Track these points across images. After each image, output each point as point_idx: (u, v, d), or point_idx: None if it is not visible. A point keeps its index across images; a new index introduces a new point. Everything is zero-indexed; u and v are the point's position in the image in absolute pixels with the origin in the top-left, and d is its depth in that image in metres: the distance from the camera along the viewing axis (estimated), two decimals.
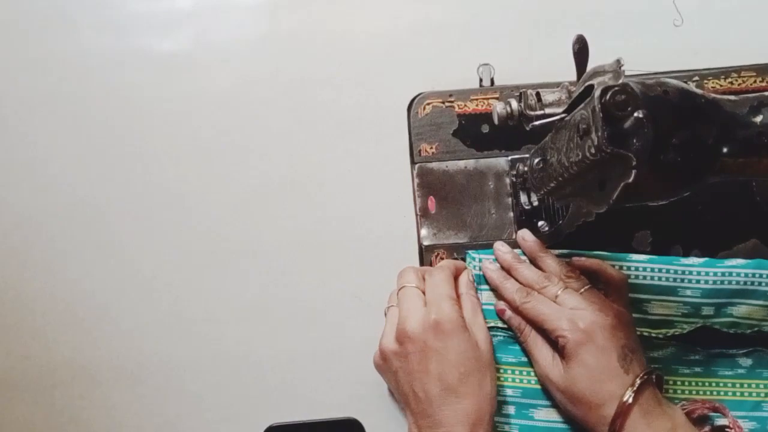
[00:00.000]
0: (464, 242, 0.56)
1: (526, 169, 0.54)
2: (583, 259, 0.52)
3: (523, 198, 0.55)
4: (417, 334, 0.48)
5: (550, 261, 0.52)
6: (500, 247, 0.54)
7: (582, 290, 0.50)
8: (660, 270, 0.52)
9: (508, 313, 0.52)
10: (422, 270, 0.53)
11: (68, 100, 0.59)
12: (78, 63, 0.59)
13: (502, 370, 0.52)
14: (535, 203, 0.55)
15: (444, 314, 0.48)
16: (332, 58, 0.59)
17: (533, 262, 0.53)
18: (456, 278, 0.52)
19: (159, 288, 0.56)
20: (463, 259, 0.55)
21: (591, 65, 0.43)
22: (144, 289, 0.56)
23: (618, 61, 0.40)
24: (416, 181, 0.57)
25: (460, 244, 0.56)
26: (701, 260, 0.52)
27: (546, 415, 0.51)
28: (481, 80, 0.58)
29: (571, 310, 0.48)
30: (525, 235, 0.54)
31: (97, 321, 0.56)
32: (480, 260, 0.54)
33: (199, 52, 0.59)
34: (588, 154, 0.39)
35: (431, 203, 0.57)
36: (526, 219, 0.56)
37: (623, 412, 0.45)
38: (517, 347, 0.53)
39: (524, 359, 0.52)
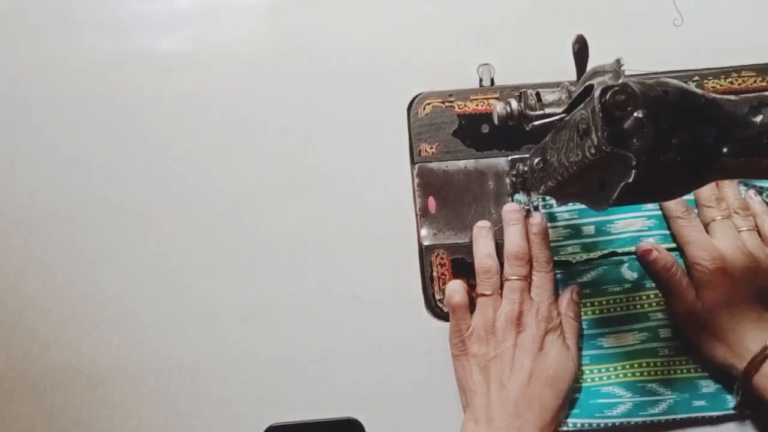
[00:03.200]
0: (464, 242, 0.56)
1: (525, 169, 0.54)
2: (756, 199, 0.53)
3: (523, 199, 0.55)
4: (533, 333, 0.51)
5: (728, 190, 0.53)
6: None
7: (743, 229, 0.51)
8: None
9: (655, 254, 0.53)
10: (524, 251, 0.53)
11: (68, 100, 0.59)
12: (78, 63, 0.59)
13: None
14: (535, 203, 0.55)
15: (571, 325, 0.52)
16: (332, 58, 0.59)
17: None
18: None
19: (159, 288, 0.56)
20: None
21: (591, 65, 0.43)
22: (144, 289, 0.56)
23: (618, 61, 0.40)
24: (416, 181, 0.57)
25: (460, 244, 0.56)
26: None
27: (614, 341, 0.54)
28: (481, 80, 0.58)
29: (717, 242, 0.50)
30: None
31: (97, 321, 0.56)
32: None
33: (199, 52, 0.59)
34: (588, 154, 0.39)
35: (431, 203, 0.57)
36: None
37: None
38: (577, 280, 0.54)
39: (586, 291, 0.54)
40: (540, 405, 0.49)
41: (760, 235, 0.53)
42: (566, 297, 0.53)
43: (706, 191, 0.53)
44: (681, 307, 0.51)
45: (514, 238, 0.53)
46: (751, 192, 0.54)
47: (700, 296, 0.50)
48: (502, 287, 0.52)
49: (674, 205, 0.52)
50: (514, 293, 0.51)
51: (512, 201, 0.56)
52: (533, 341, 0.50)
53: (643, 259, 0.53)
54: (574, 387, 0.53)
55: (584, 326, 0.54)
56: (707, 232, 0.52)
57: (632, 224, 0.55)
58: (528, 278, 0.52)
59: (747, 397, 0.49)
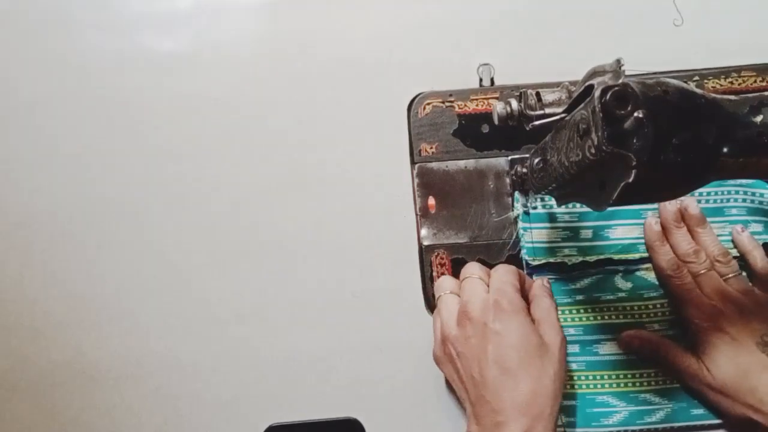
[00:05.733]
0: (464, 242, 0.56)
1: (524, 170, 0.54)
2: (744, 234, 0.53)
3: (522, 200, 0.55)
4: (477, 316, 0.48)
5: (706, 238, 0.53)
6: (667, 205, 0.54)
7: (729, 276, 0.51)
8: (708, 193, 0.55)
9: (637, 341, 0.53)
10: (485, 268, 0.53)
11: (68, 100, 0.59)
12: (78, 63, 0.59)
13: (561, 311, 0.54)
14: (534, 204, 0.55)
15: (505, 296, 0.48)
16: (332, 58, 0.59)
17: (690, 232, 0.54)
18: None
19: (159, 288, 0.56)
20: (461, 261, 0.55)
21: (591, 65, 0.43)
22: (144, 289, 0.56)
23: (618, 61, 0.40)
24: (416, 181, 0.57)
25: (460, 244, 0.56)
26: (750, 181, 0.54)
27: (610, 348, 0.54)
28: (481, 80, 0.58)
29: (706, 298, 0.50)
30: (690, 206, 0.53)
31: (97, 321, 0.56)
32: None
33: (199, 52, 0.59)
34: (588, 154, 0.39)
35: (431, 203, 0.57)
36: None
37: None
38: (571, 287, 0.54)
39: (579, 298, 0.54)
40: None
41: (752, 271, 0.52)
42: (539, 282, 0.52)
43: (683, 245, 0.52)
44: (688, 376, 0.51)
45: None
46: (738, 227, 0.54)
47: (703, 359, 0.50)
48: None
49: (665, 264, 0.52)
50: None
51: (512, 201, 0.56)
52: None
53: (629, 347, 0.53)
54: (570, 393, 0.53)
55: (580, 332, 0.54)
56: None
57: (631, 231, 0.55)
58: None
59: None
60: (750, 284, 0.52)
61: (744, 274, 0.53)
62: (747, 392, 0.48)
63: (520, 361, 0.46)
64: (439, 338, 0.50)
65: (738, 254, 0.54)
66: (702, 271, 0.51)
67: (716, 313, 0.49)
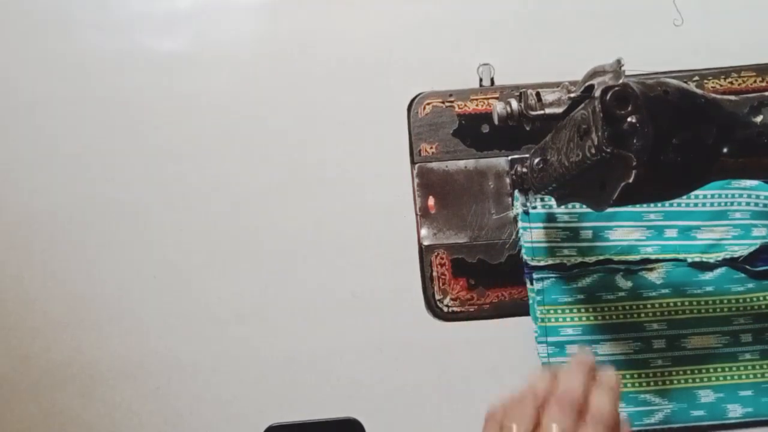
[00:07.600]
0: (464, 242, 0.56)
1: (524, 170, 0.54)
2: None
3: (521, 200, 0.55)
4: None
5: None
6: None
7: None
8: (712, 196, 0.54)
9: None
10: (570, 398, 0.39)
11: (68, 100, 0.59)
12: (78, 63, 0.59)
13: (560, 311, 0.53)
14: (533, 204, 0.55)
15: None
16: (332, 58, 0.59)
17: None
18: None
19: (159, 288, 0.56)
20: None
21: (591, 65, 0.43)
22: (144, 289, 0.56)
23: (618, 61, 0.40)
24: (416, 181, 0.57)
25: (460, 243, 0.56)
26: (754, 184, 0.54)
27: (608, 349, 0.53)
28: (481, 80, 0.58)
29: None
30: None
31: (97, 321, 0.56)
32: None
33: (199, 52, 0.59)
34: (588, 154, 0.39)
35: (431, 203, 0.57)
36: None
37: None
38: (572, 286, 0.54)
39: (580, 297, 0.54)
40: None
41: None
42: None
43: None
44: None
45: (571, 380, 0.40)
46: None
47: None
48: None
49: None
50: None
51: (512, 200, 0.56)
52: None
53: None
54: None
55: (579, 332, 0.54)
56: None
57: (630, 233, 0.55)
58: None
59: None
60: None
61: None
62: None
63: None
64: None
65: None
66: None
67: None
